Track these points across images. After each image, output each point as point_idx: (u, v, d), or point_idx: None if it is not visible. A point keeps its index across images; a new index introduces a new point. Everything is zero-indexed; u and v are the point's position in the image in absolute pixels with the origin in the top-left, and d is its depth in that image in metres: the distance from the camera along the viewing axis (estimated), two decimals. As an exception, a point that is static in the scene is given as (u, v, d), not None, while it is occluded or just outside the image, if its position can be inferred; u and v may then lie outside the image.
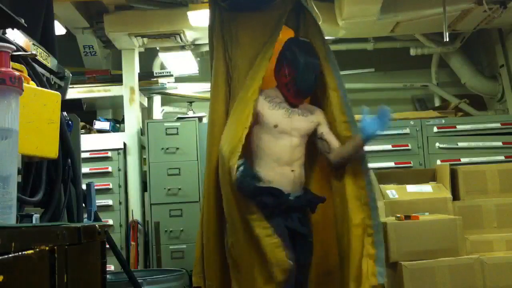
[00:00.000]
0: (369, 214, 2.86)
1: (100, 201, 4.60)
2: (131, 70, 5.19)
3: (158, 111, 5.92)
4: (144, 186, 5.01)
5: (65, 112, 1.96)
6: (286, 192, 2.80)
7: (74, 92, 4.92)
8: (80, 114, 2.40)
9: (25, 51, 1.81)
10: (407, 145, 4.85)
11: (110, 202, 4.88)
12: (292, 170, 2.84)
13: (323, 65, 3.07)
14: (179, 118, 5.01)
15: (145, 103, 5.66)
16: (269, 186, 2.78)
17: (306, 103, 3.10)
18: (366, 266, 2.78)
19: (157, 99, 5.88)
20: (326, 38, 3.27)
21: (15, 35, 1.78)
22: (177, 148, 4.86)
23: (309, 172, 3.13)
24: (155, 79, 5.43)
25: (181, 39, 4.91)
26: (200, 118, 5.02)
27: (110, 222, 4.75)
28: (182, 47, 5.15)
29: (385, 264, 2.83)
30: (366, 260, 2.79)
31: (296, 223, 2.83)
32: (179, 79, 5.71)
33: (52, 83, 2.11)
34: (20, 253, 0.93)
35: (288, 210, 2.82)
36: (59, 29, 4.59)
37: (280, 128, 2.86)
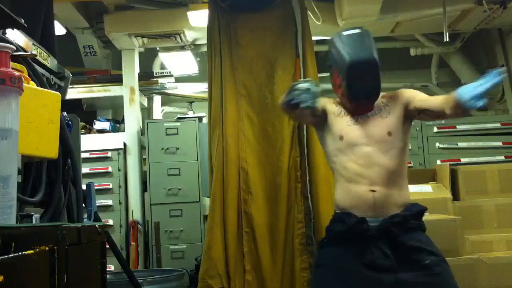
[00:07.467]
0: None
1: (100, 201, 4.60)
2: (131, 70, 5.19)
3: (158, 111, 5.92)
4: (144, 186, 5.01)
5: (65, 112, 1.96)
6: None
7: (74, 92, 4.93)
8: (80, 114, 2.41)
9: (25, 51, 1.81)
10: (407, 145, 4.85)
11: (110, 202, 4.88)
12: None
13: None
14: (179, 118, 5.01)
15: (145, 103, 5.66)
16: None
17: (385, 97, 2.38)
18: None
19: (157, 99, 5.88)
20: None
21: (15, 35, 1.77)
22: (177, 148, 4.85)
23: None
24: (155, 79, 5.43)
25: (181, 39, 4.91)
26: (200, 118, 5.03)
27: (110, 222, 4.75)
28: (182, 47, 5.15)
29: None
30: None
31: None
32: (179, 79, 5.71)
33: (52, 83, 2.10)
34: (20, 253, 0.93)
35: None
36: (59, 29, 4.59)
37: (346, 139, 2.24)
